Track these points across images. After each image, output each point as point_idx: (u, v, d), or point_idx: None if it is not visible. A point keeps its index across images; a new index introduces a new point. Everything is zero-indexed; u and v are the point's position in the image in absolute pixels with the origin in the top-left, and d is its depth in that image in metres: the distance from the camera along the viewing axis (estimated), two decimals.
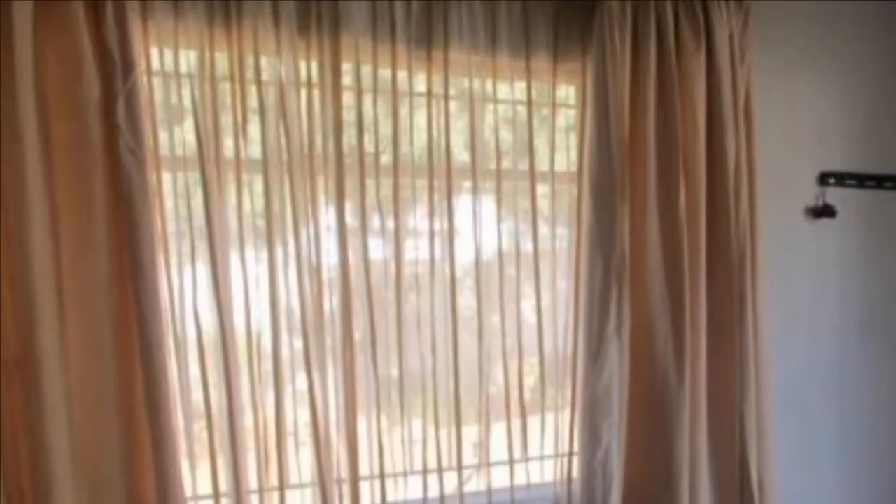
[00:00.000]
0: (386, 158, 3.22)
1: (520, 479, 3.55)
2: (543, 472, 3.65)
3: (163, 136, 2.92)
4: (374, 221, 3.23)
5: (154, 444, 2.84)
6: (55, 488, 2.69)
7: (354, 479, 3.23)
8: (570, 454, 3.62)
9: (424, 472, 3.38)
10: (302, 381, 3.15)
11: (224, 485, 3.03)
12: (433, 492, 3.38)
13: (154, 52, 2.90)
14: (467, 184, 3.37)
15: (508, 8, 3.36)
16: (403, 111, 3.21)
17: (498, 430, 3.53)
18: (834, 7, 4.15)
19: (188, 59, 2.95)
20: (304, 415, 3.16)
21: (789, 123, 4.06)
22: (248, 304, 3.06)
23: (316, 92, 3.10)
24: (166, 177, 2.95)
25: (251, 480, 3.10)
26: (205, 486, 3.04)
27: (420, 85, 3.25)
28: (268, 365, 3.11)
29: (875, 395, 4.43)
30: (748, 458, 3.77)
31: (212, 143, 2.94)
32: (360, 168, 3.15)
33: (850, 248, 4.30)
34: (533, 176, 3.46)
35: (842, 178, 4.17)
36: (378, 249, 3.26)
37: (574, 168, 3.54)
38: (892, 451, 4.50)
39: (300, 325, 3.11)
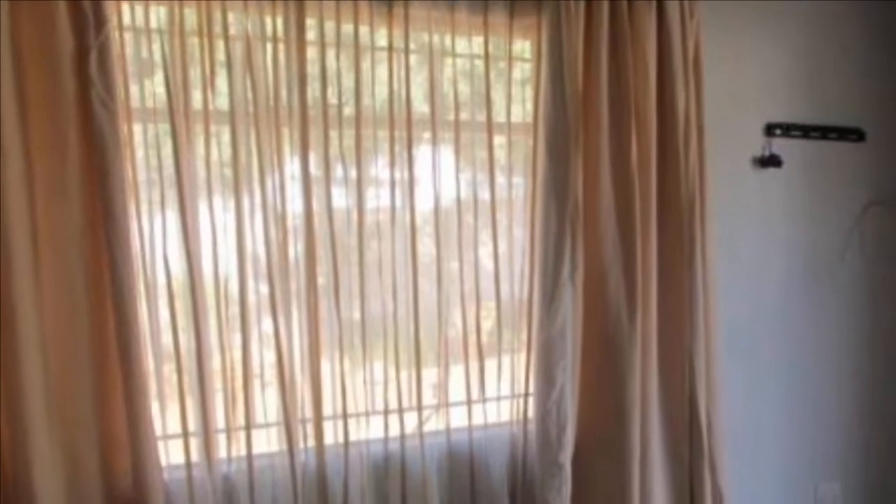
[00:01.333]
0: (348, 110, 3.29)
1: (477, 419, 3.64)
2: (500, 412, 3.72)
3: (134, 89, 2.98)
4: (338, 171, 3.29)
5: (125, 386, 2.91)
6: (30, 428, 2.76)
7: (318, 419, 3.30)
8: (526, 395, 3.70)
9: (385, 412, 3.45)
10: (268, 324, 3.21)
11: (193, 424, 3.11)
12: (394, 431, 3.46)
13: (125, 7, 2.95)
14: (427, 135, 3.45)
15: None
16: (365, 65, 3.28)
17: (456, 371, 3.61)
18: None
19: (158, 14, 3.01)
20: (270, 357, 3.23)
21: (737, 77, 4.17)
22: (215, 250, 3.13)
23: (281, 46, 3.15)
24: (137, 128, 3.00)
25: (219, 420, 3.17)
26: (174, 426, 3.12)
27: (381, 40, 3.32)
28: (235, 309, 3.17)
29: (818, 336, 4.59)
30: (697, 397, 3.88)
31: (181, 95, 3.00)
32: (324, 120, 3.22)
33: (795, 197, 4.43)
34: (490, 127, 3.53)
35: (787, 130, 4.29)
36: (341, 198, 3.32)
37: (530, 120, 3.61)
38: (835, 389, 4.68)
39: (266, 270, 3.18)
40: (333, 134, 3.26)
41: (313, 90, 3.20)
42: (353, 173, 3.33)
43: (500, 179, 3.64)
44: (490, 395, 3.68)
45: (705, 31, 3.85)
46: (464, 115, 3.51)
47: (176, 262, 3.05)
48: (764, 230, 4.39)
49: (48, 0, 2.75)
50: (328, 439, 3.35)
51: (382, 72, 3.32)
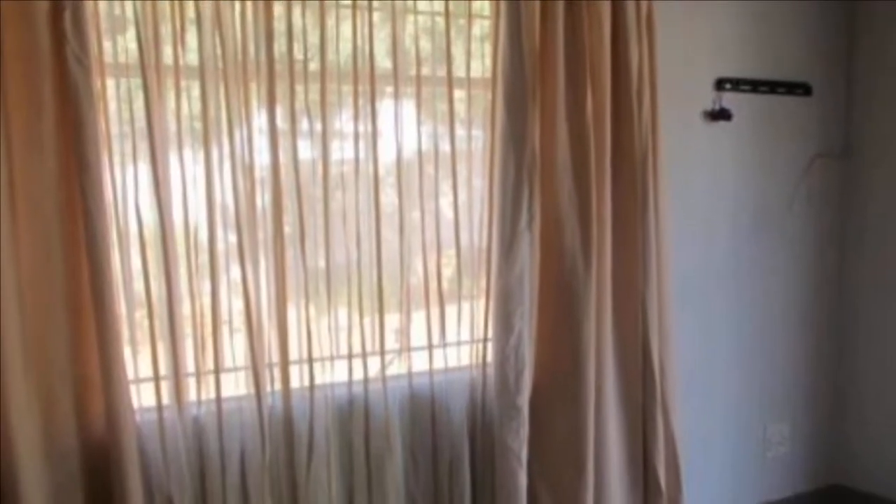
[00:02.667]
0: (314, 65, 3.36)
1: (438, 364, 3.73)
2: (460, 356, 3.83)
3: (107, 45, 3.03)
4: (303, 124, 3.36)
5: (98, 331, 2.98)
6: (7, 372, 2.84)
7: (285, 364, 3.40)
8: (485, 340, 3.80)
9: (350, 356, 3.54)
10: (236, 272, 3.29)
11: (164, 368, 3.19)
12: (358, 375, 3.55)
13: None
14: (389, 89, 3.52)
15: None
16: (330, 21, 3.34)
17: (418, 317, 3.70)
18: None
19: None
20: (238, 304, 3.31)
21: (688, 33, 4.27)
22: (185, 200, 3.20)
23: (248, 4, 3.20)
24: (110, 82, 3.06)
25: (189, 364, 3.26)
26: (146, 370, 3.19)
27: None
28: (204, 257, 3.25)
29: (767, 283, 4.75)
30: (650, 343, 4.03)
31: (152, 51, 3.06)
32: (290, 74, 3.29)
33: (744, 149, 4.56)
34: (450, 82, 3.62)
35: (737, 84, 4.42)
36: (307, 150, 3.39)
37: (488, 75, 3.70)
38: (782, 335, 4.86)
39: (234, 220, 3.25)
40: (299, 88, 3.33)
41: (280, 46, 3.26)
42: (318, 126, 3.39)
43: (460, 132, 3.72)
44: (450, 340, 3.78)
45: None
46: (425, 71, 3.59)
47: (147, 211, 3.11)
48: (714, 181, 4.50)
49: None
50: (294, 383, 3.44)
51: (346, 28, 3.38)
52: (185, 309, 3.25)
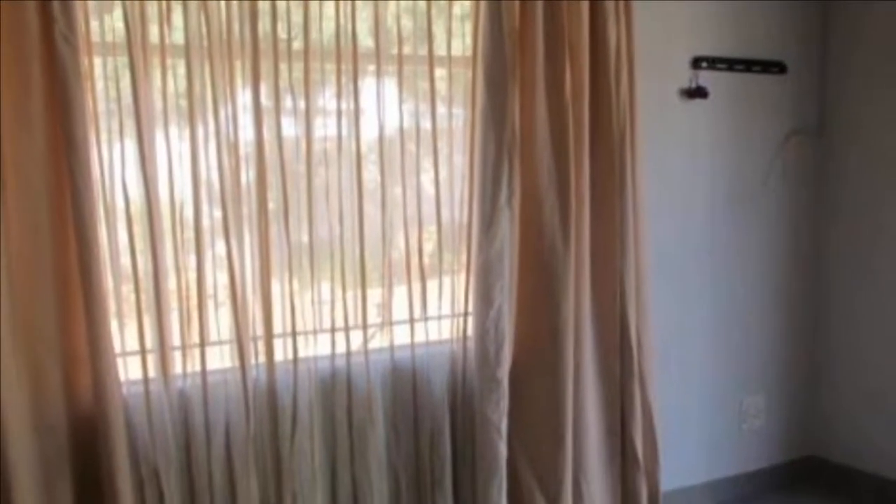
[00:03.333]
0: (297, 44, 3.41)
1: (419, 337, 3.79)
2: (441, 330, 3.87)
3: (94, 24, 3.08)
4: (287, 102, 3.40)
5: (86, 305, 3.03)
6: None
7: (269, 337, 3.44)
8: (466, 314, 3.85)
9: (332, 330, 3.59)
10: (221, 247, 3.34)
11: (150, 342, 3.24)
12: (340, 348, 3.60)
13: None
14: (371, 67, 3.58)
15: None
16: (313, 1, 3.39)
17: (399, 292, 3.75)
18: None
19: None
20: (223, 278, 3.37)
21: (666, 12, 4.30)
22: (171, 176, 3.24)
23: None
24: (97, 61, 3.11)
25: (174, 338, 3.31)
26: (132, 343, 3.24)
27: None
28: (190, 232, 3.29)
29: (742, 259, 4.80)
30: (628, 317, 4.09)
31: (138, 30, 3.10)
32: (274, 53, 3.34)
33: (720, 126, 4.60)
34: (431, 60, 3.66)
35: (713, 62, 4.46)
36: (290, 127, 3.44)
37: (469, 53, 3.74)
38: (758, 309, 4.91)
39: (219, 196, 3.30)
40: (283, 66, 3.37)
41: (264, 25, 3.30)
42: (301, 104, 3.43)
43: (441, 110, 3.77)
44: (431, 314, 3.84)
45: None
46: (407, 49, 3.64)
47: (134, 187, 3.17)
48: (691, 158, 4.55)
49: None
50: (278, 356, 3.49)
51: (329, 7, 3.43)
52: (170, 283, 3.29)
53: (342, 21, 3.46)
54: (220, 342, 3.43)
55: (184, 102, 3.26)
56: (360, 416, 3.67)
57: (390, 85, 3.66)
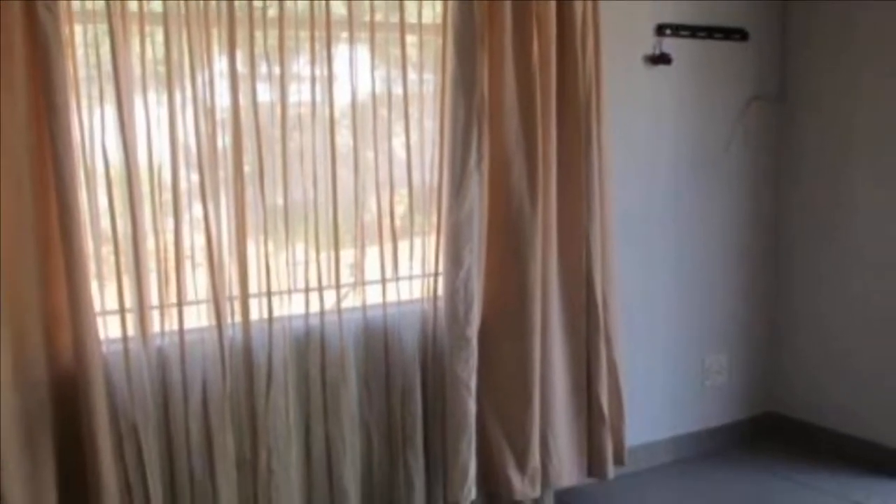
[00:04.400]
0: (272, 12, 3.46)
1: (391, 297, 3.85)
2: (412, 290, 3.94)
3: None
4: (262, 68, 3.45)
5: (67, 266, 3.08)
6: None
7: (245, 297, 3.50)
8: (436, 274, 3.92)
9: (306, 290, 3.66)
10: (198, 209, 3.39)
11: (129, 301, 3.29)
12: (314, 308, 3.66)
13: None
14: (345, 34, 3.63)
15: None
16: None
17: (372, 252, 3.80)
18: None
19: None
20: (200, 239, 3.42)
21: None
22: (150, 141, 3.29)
23: None
24: (78, 29, 3.14)
25: (153, 297, 3.36)
26: (112, 303, 3.30)
27: None
28: (168, 195, 3.35)
29: (705, 222, 4.88)
30: (593, 279, 4.13)
31: None
32: (250, 21, 3.38)
33: (684, 92, 4.68)
34: (403, 28, 3.73)
35: (676, 30, 4.52)
36: (265, 93, 3.48)
37: (439, 21, 3.79)
38: (721, 270, 5.01)
39: (196, 160, 3.35)
40: (258, 34, 3.42)
41: None
42: (276, 70, 3.48)
43: (412, 76, 3.81)
44: (403, 275, 3.89)
45: None
46: (379, 17, 3.69)
47: (113, 152, 3.21)
48: (655, 123, 4.62)
49: None
50: (253, 315, 3.54)
51: None
52: (149, 245, 3.34)
53: None
54: (197, 302, 3.48)
55: (162, 69, 3.30)
56: (334, 373, 3.72)
57: (363, 52, 3.70)
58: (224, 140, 3.44)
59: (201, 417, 3.47)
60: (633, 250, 4.59)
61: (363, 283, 3.82)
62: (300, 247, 3.67)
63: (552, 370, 4.12)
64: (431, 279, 3.94)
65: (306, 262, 3.68)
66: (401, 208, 3.92)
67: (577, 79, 3.98)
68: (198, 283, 3.49)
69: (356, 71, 3.67)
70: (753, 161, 5.03)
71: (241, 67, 3.42)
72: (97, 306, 3.24)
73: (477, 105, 3.77)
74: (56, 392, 3.20)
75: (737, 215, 5.03)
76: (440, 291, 3.93)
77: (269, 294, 3.57)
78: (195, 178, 3.40)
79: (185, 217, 3.42)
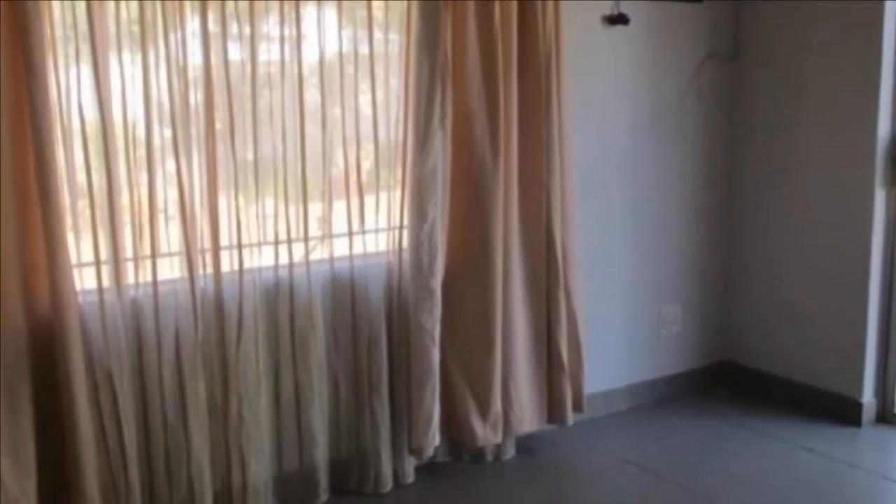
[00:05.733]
0: None
1: (358, 249, 3.92)
2: (378, 242, 4.02)
3: None
4: (233, 28, 3.50)
5: (44, 219, 3.15)
6: None
7: (216, 249, 3.58)
8: (401, 227, 3.98)
9: (276, 242, 3.73)
10: (171, 164, 3.45)
11: (104, 253, 3.36)
12: (283, 260, 3.75)
13: None
14: None
15: None
16: None
17: (339, 206, 3.87)
18: None
19: None
20: (173, 194, 3.48)
21: None
22: (124, 98, 3.34)
23: None
24: None
25: (127, 250, 3.43)
26: (88, 255, 3.36)
27: None
28: (142, 151, 3.40)
29: (662, 176, 4.97)
30: (553, 229, 4.22)
31: None
32: None
33: (641, 52, 4.74)
34: None
35: None
36: (236, 52, 3.53)
37: None
38: (676, 223, 5.10)
39: (169, 116, 3.41)
40: None
41: None
42: (246, 30, 3.54)
43: (378, 36, 3.86)
44: (369, 228, 3.96)
45: None
46: None
47: (89, 109, 3.27)
48: (613, 81, 4.68)
49: None
50: (225, 267, 3.61)
51: None
52: (124, 199, 3.40)
53: None
54: (171, 254, 3.54)
55: (136, 29, 3.34)
56: (302, 323, 3.80)
57: (330, 12, 3.75)
58: (196, 97, 3.48)
59: (174, 365, 3.54)
60: (591, 204, 4.64)
61: (331, 236, 3.88)
62: (270, 201, 3.72)
63: (513, 321, 4.21)
64: (396, 232, 4.00)
65: (276, 216, 3.74)
66: (367, 163, 3.97)
67: (537, 39, 4.05)
68: (171, 235, 3.54)
69: (324, 31, 3.72)
70: (708, 118, 5.10)
71: (213, 27, 3.46)
72: (74, 258, 3.30)
73: (440, 64, 3.84)
74: (33, 341, 3.26)
75: (692, 170, 5.11)
76: (405, 244, 4.00)
77: (239, 246, 3.63)
78: (168, 134, 3.45)
79: (159, 172, 3.47)
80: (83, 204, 3.36)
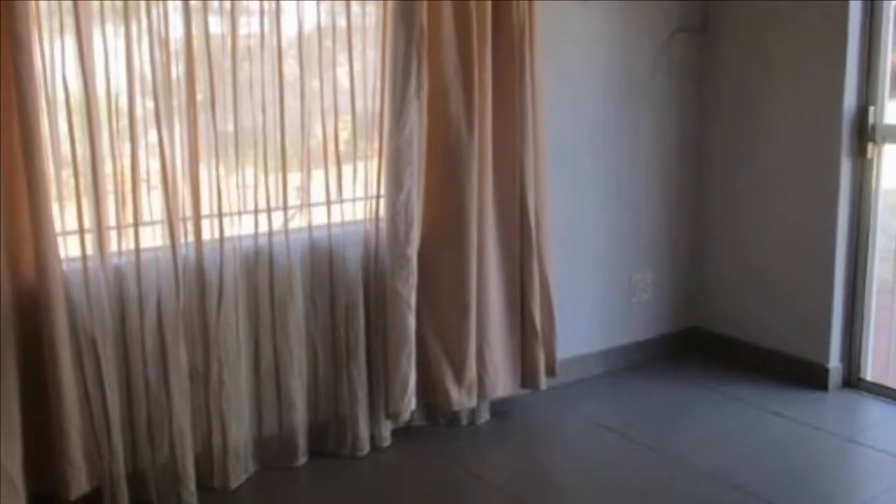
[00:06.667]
0: None
1: (335, 218, 3.97)
2: (355, 211, 4.05)
3: None
4: (214, 2, 3.53)
5: (29, 189, 3.19)
6: None
7: (197, 218, 3.63)
8: (378, 196, 4.02)
9: (256, 211, 3.78)
10: (153, 135, 3.50)
11: (88, 222, 3.41)
12: (263, 228, 3.81)
13: None
14: None
15: None
16: None
17: (317, 176, 3.92)
18: None
19: None
20: (155, 164, 3.52)
21: None
22: (108, 70, 3.38)
23: None
24: None
25: (110, 218, 3.47)
26: (72, 223, 3.41)
27: None
28: (125, 122, 3.44)
29: (632, 147, 5.04)
30: (527, 199, 4.27)
31: None
32: None
33: (612, 24, 4.80)
34: None
35: None
36: (217, 25, 3.57)
37: None
38: (646, 192, 5.18)
39: (152, 88, 3.45)
40: None
41: None
42: (227, 4, 3.57)
43: (356, 8, 3.89)
44: (346, 197, 4.01)
45: None
46: None
47: (73, 81, 3.30)
48: (585, 55, 4.74)
49: None
50: (206, 235, 3.66)
51: None
52: (107, 168, 3.44)
53: None
54: (153, 222, 3.59)
55: (119, 2, 3.38)
56: (281, 290, 3.86)
57: None
58: (178, 70, 3.52)
59: (156, 332, 3.60)
60: (564, 174, 4.71)
61: (309, 205, 3.94)
62: (250, 170, 3.77)
63: (488, 287, 4.27)
64: (374, 201, 4.05)
65: (255, 185, 3.79)
66: (345, 134, 4.01)
67: (511, 13, 4.09)
68: (153, 204, 3.58)
69: (302, 4, 3.75)
70: (677, 89, 5.17)
71: (194, 1, 3.50)
72: (58, 227, 3.35)
73: (416, 37, 3.87)
74: (18, 308, 3.31)
75: (662, 141, 5.18)
76: (382, 213, 4.04)
77: (220, 215, 3.68)
78: (150, 105, 3.49)
79: (141, 142, 3.51)
80: (67, 174, 3.40)
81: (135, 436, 3.64)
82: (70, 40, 3.30)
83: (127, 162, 3.51)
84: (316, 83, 3.88)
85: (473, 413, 4.49)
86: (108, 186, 3.47)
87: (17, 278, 3.31)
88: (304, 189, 3.94)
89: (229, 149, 3.71)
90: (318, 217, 3.99)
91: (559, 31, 4.58)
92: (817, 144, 4.78)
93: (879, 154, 4.70)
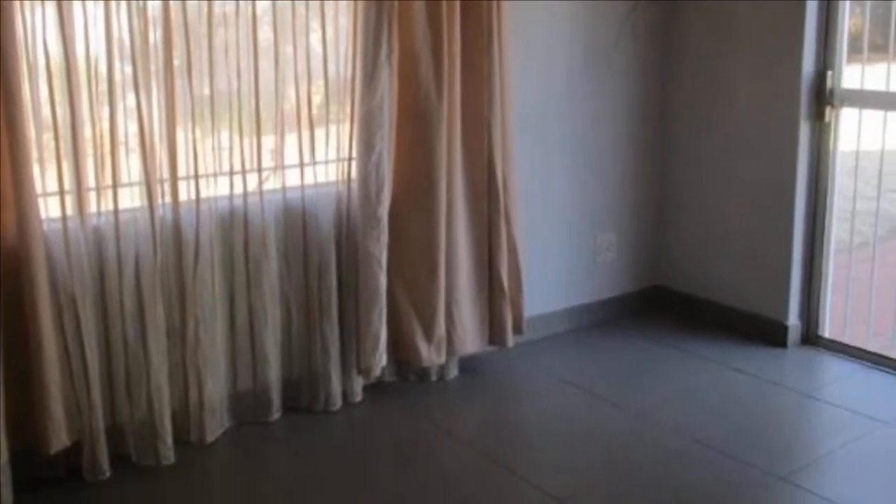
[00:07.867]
0: None
1: (308, 180, 4.04)
2: (328, 173, 4.11)
3: None
4: None
5: (11, 151, 3.23)
6: None
7: (174, 179, 3.67)
8: (350, 159, 4.07)
9: (231, 173, 3.84)
10: (131, 99, 3.54)
11: (68, 184, 3.45)
12: (238, 189, 3.87)
13: None
14: None
15: None
16: None
17: (291, 139, 3.96)
18: None
19: None
20: (133, 127, 3.57)
21: None
22: (87, 36, 3.41)
23: None
24: None
25: (90, 180, 3.52)
26: (52, 185, 3.45)
27: None
28: (104, 86, 3.49)
29: (597, 110, 5.10)
30: (495, 163, 4.34)
31: None
32: None
33: None
34: None
35: None
36: None
37: None
38: (611, 156, 5.24)
39: (130, 54, 3.50)
40: None
41: None
42: None
43: None
44: (319, 159, 4.07)
45: None
46: None
47: (54, 46, 3.33)
48: (552, 21, 4.79)
49: None
50: (182, 196, 3.71)
51: None
52: (86, 131, 3.48)
53: None
54: (131, 184, 3.63)
55: None
56: (256, 250, 3.93)
57: None
58: (155, 35, 3.56)
59: (134, 290, 3.66)
60: (531, 138, 4.78)
61: (283, 167, 3.99)
62: (225, 133, 3.82)
63: (457, 247, 4.35)
64: (346, 163, 4.10)
65: (231, 148, 3.85)
66: (317, 98, 4.06)
67: None
68: (131, 166, 3.63)
69: None
70: (641, 55, 5.23)
71: None
72: (39, 188, 3.39)
73: (387, 4, 3.91)
74: (0, 267, 3.34)
75: (626, 105, 5.25)
76: (354, 174, 4.10)
77: (196, 177, 3.73)
78: (129, 70, 3.54)
79: (120, 106, 3.56)
80: (48, 136, 3.44)
81: (113, 391, 3.70)
82: (50, 7, 3.34)
83: (106, 125, 3.55)
84: (290, 49, 3.92)
85: (443, 369, 4.57)
86: (88, 149, 3.51)
87: None
88: (278, 151, 3.98)
89: (205, 112, 3.75)
90: (292, 179, 4.03)
91: None
92: (777, 108, 4.83)
93: (837, 117, 4.79)
